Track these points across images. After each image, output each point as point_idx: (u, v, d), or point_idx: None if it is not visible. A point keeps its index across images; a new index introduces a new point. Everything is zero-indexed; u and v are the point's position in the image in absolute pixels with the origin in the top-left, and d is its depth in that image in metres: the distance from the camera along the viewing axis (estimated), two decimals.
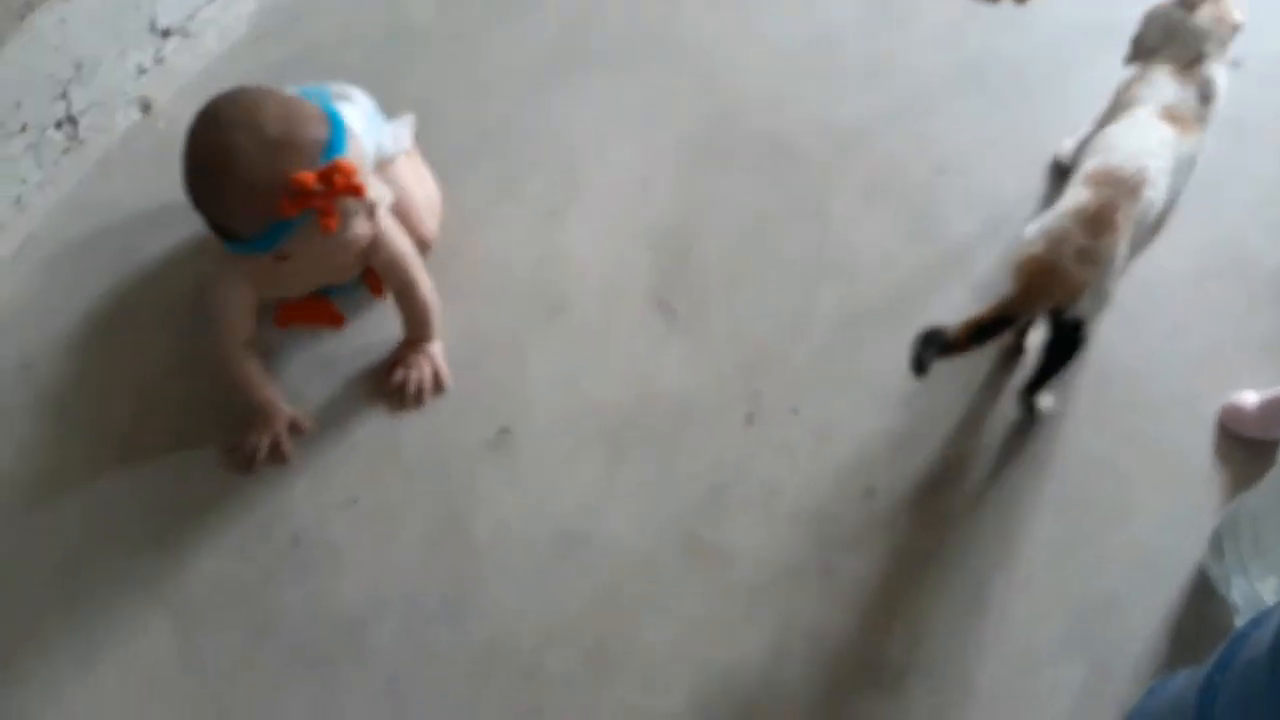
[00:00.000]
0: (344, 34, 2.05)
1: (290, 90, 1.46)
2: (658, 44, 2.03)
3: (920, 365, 1.43)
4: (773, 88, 1.97)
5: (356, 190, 1.39)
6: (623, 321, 1.71)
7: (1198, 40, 1.54)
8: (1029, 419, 1.58)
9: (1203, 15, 1.55)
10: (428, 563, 1.50)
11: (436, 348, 1.65)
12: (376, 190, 1.48)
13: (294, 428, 1.59)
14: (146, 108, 1.93)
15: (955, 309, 1.69)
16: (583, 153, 1.89)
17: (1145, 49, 1.58)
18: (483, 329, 1.70)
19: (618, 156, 1.89)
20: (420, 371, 1.62)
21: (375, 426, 1.62)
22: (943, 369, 1.63)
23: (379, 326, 1.70)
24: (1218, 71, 1.54)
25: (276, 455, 1.57)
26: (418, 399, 1.62)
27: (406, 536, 1.52)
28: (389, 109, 1.74)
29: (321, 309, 1.67)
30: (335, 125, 1.41)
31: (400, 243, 1.58)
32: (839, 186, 1.84)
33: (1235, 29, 1.56)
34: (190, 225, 1.76)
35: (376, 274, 1.62)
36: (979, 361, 1.63)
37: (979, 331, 1.40)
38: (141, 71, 1.90)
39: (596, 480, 1.57)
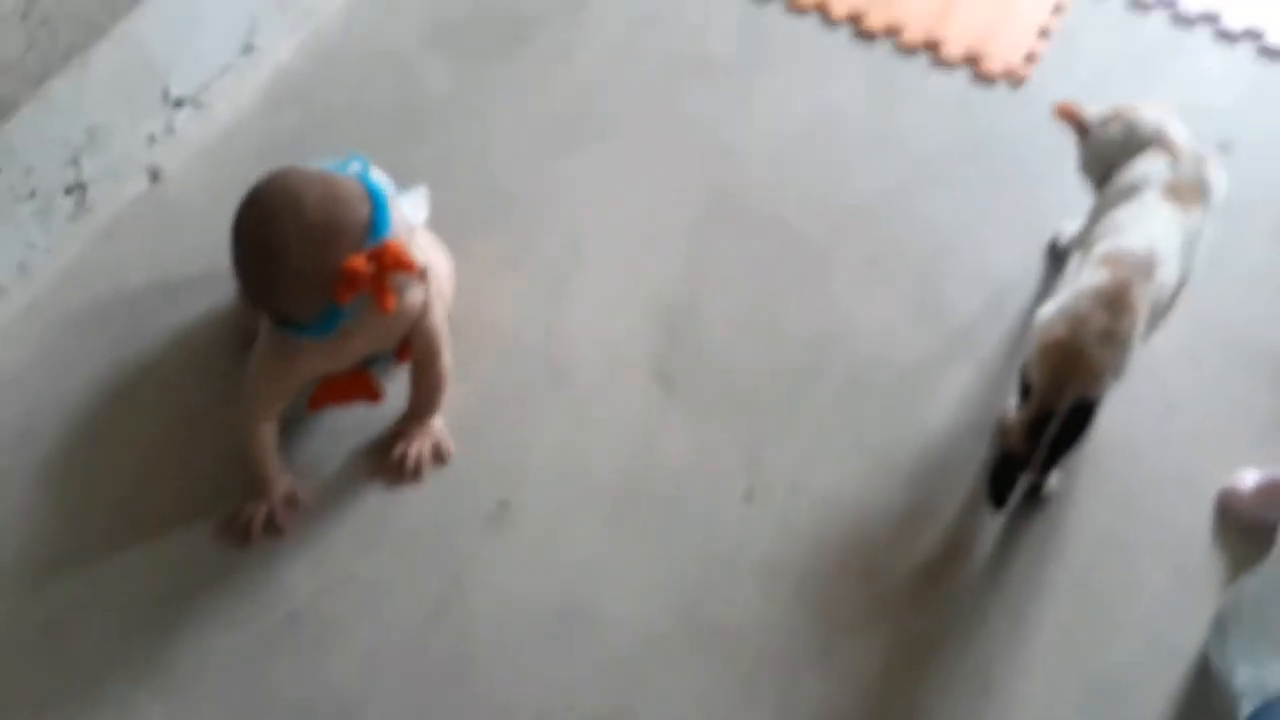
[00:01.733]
0: (355, 105, 2.08)
1: (326, 167, 1.45)
2: (662, 119, 2.06)
3: (1002, 498, 1.46)
4: (774, 164, 2.00)
5: (407, 266, 1.39)
6: (623, 393, 1.71)
7: (1144, 127, 1.56)
8: (1035, 500, 1.57)
9: (1130, 116, 1.58)
10: (425, 640, 1.48)
11: (438, 422, 1.65)
12: (422, 256, 1.48)
13: (290, 501, 1.58)
14: (156, 176, 1.96)
15: (959, 386, 1.70)
16: (587, 224, 1.91)
17: (1107, 169, 1.60)
18: (484, 399, 1.70)
19: (621, 229, 1.91)
20: (421, 445, 1.62)
21: (373, 500, 1.61)
22: (947, 448, 1.64)
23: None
24: (1181, 134, 1.56)
25: (272, 527, 1.56)
26: (417, 473, 1.61)
27: (404, 613, 1.50)
28: (400, 179, 1.75)
29: (362, 384, 1.64)
30: (378, 201, 1.40)
31: (440, 312, 1.58)
32: (840, 263, 1.86)
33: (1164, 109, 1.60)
34: (193, 297, 1.77)
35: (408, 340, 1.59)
36: (981, 440, 1.64)
37: (1032, 433, 1.40)
38: (152, 140, 1.93)
39: (595, 555, 1.56)
